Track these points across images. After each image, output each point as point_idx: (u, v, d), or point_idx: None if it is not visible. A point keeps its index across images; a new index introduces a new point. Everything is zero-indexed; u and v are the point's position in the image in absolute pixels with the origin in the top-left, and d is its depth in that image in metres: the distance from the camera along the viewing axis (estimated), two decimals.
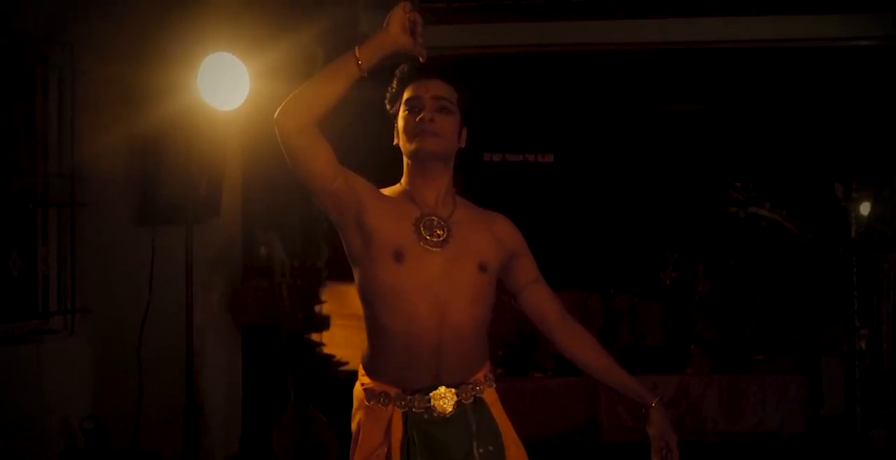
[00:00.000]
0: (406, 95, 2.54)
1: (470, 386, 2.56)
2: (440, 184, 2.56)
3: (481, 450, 2.53)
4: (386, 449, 2.51)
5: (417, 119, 2.50)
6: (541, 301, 2.63)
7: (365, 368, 2.61)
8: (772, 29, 5.77)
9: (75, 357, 4.28)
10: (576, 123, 6.37)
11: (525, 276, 2.61)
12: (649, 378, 5.77)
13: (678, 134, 6.30)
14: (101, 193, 4.35)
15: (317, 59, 4.87)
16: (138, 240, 4.52)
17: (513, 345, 5.83)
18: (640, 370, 5.84)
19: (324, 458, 4.84)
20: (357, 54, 2.36)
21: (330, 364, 5.31)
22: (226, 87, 3.71)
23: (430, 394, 2.51)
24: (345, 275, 5.15)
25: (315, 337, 5.26)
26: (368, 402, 2.56)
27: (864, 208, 5.79)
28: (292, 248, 5.20)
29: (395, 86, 2.57)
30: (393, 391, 2.51)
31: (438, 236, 2.53)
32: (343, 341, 5.28)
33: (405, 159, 2.58)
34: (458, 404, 2.54)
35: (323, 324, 5.24)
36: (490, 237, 2.59)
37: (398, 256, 2.48)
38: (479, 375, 2.60)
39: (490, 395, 2.62)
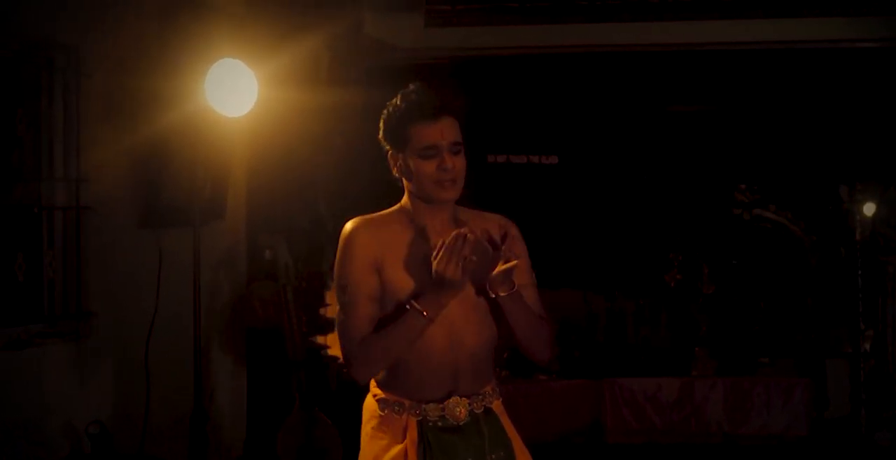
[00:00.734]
0: (418, 142, 2.53)
1: (480, 397, 2.64)
2: (446, 213, 2.61)
3: (493, 456, 2.61)
4: (403, 453, 2.57)
5: (439, 169, 2.51)
6: None
7: (378, 384, 2.66)
8: (776, 31, 5.75)
9: (80, 361, 4.28)
10: (580, 125, 6.34)
11: (514, 280, 2.62)
12: (654, 380, 5.80)
13: (683, 135, 6.26)
14: (105, 197, 4.36)
15: (323, 62, 4.86)
16: (142, 244, 4.53)
17: (517, 348, 5.80)
18: (645, 372, 5.88)
19: None
20: (419, 308, 2.46)
21: (333, 366, 5.29)
22: (233, 93, 3.70)
23: (444, 403, 2.59)
24: None
25: (320, 339, 5.23)
26: (382, 412, 2.62)
27: (869, 210, 5.76)
28: (297, 252, 5.18)
29: (396, 119, 2.55)
30: (407, 402, 2.59)
31: None
32: None
33: (408, 190, 2.60)
34: (470, 412, 2.61)
35: (328, 327, 5.21)
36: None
37: (411, 297, 2.53)
38: (488, 387, 2.69)
39: (497, 406, 2.71)
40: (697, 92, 6.23)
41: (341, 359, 5.03)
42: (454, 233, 2.41)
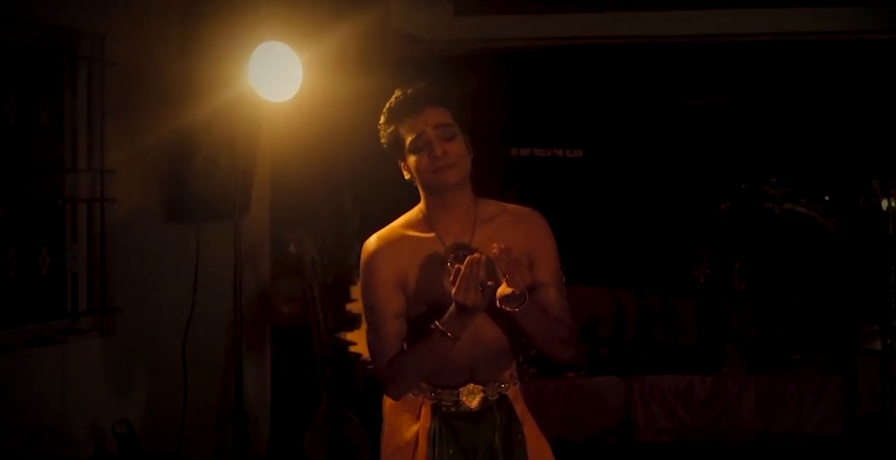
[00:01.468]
0: (407, 136, 2.57)
1: (496, 385, 2.70)
2: (463, 208, 2.63)
3: (502, 443, 2.67)
4: (414, 438, 2.66)
5: (430, 158, 2.53)
6: (542, 304, 2.63)
7: None
8: (813, 20, 5.65)
9: (105, 358, 4.13)
10: (606, 118, 6.24)
11: (537, 278, 2.62)
12: (684, 378, 5.70)
13: (713, 128, 6.18)
14: (131, 189, 4.20)
15: (350, 53, 4.72)
16: (170, 237, 4.41)
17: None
18: (675, 369, 5.78)
19: None
20: (444, 329, 2.48)
21: (359, 363, 5.17)
22: (277, 78, 3.56)
23: (459, 389, 2.66)
24: None
25: (346, 336, 5.12)
26: None
27: None
28: (323, 246, 5.07)
29: (387, 124, 2.60)
30: (424, 384, 2.67)
31: None
32: None
33: (422, 191, 2.62)
34: (483, 400, 2.68)
35: (354, 322, 5.11)
36: (513, 248, 2.55)
37: (436, 306, 2.57)
38: (506, 374, 2.74)
39: (514, 392, 2.75)
40: (728, 84, 6.14)
41: (367, 356, 4.97)
42: (469, 258, 2.41)
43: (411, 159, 2.59)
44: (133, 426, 3.94)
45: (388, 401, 2.75)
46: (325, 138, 4.68)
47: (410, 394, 2.68)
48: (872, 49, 5.92)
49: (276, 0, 3.95)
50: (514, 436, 2.70)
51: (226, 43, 3.70)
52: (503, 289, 2.47)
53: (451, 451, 2.66)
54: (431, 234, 2.65)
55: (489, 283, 2.44)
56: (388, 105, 2.63)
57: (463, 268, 2.43)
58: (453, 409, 2.67)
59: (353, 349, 5.12)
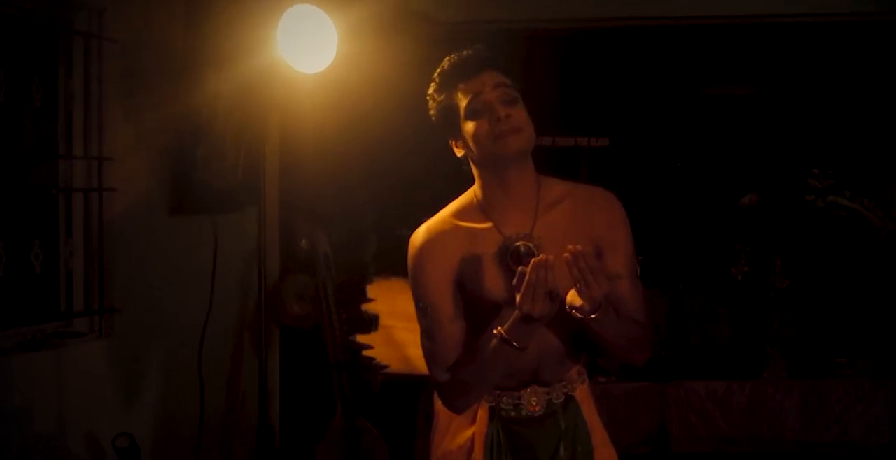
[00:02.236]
0: (462, 100, 2.35)
1: (562, 385, 2.53)
2: (524, 190, 2.43)
3: (569, 451, 2.50)
4: (469, 444, 2.52)
5: (491, 121, 2.32)
6: (613, 300, 2.39)
7: None
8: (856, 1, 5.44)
9: (103, 364, 3.91)
10: (636, 105, 6.03)
11: (609, 270, 2.41)
12: (722, 383, 5.50)
13: (751, 116, 5.97)
14: (131, 177, 3.99)
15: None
16: (174, 231, 4.21)
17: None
18: (712, 374, 5.57)
19: None
20: (509, 338, 2.29)
21: (375, 368, 4.95)
22: (309, 47, 3.32)
23: (521, 392, 2.51)
24: (395, 270, 4.89)
25: (362, 338, 4.91)
26: None
27: None
28: (337, 240, 4.84)
29: (439, 92, 2.43)
30: None
31: None
32: (392, 343, 4.95)
33: (477, 170, 2.45)
34: (548, 403, 2.52)
35: (370, 324, 4.89)
36: (581, 237, 2.37)
37: (495, 308, 2.42)
38: (573, 372, 2.57)
39: (582, 392, 2.58)
40: (768, 69, 5.94)
41: (382, 360, 4.78)
42: (533, 261, 2.19)
43: (468, 127, 2.38)
44: (135, 439, 3.73)
45: (438, 401, 2.59)
46: (341, 120, 4.46)
47: None
48: None
49: None
50: (582, 444, 2.54)
51: (244, 9, 3.45)
52: (574, 298, 2.26)
53: None
54: (488, 224, 2.45)
55: (559, 293, 2.22)
56: (439, 69, 2.44)
57: (528, 273, 2.20)
58: (513, 413, 2.51)
59: (369, 353, 4.90)
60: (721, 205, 6.00)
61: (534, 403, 2.52)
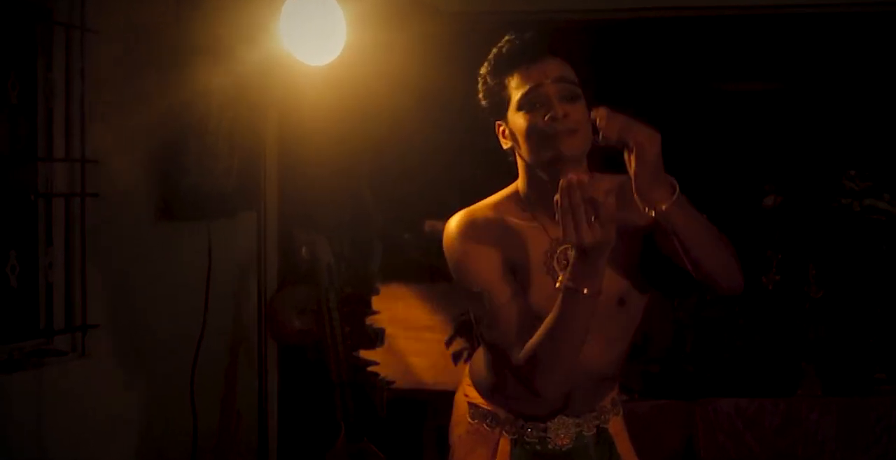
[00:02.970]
0: (517, 90, 2.25)
1: (594, 415, 2.44)
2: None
3: None
4: None
5: (546, 118, 2.15)
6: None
7: (475, 381, 2.49)
8: None
9: (86, 384, 3.72)
10: (658, 100, 5.87)
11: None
12: (754, 401, 5.32)
13: (777, 114, 5.81)
14: (116, 181, 3.81)
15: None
16: (163, 239, 4.04)
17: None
18: (741, 391, 5.40)
19: None
20: (574, 287, 2.08)
21: (381, 387, 4.81)
22: (315, 37, 3.16)
23: (547, 424, 2.40)
24: (394, 274, 4.76)
25: (366, 355, 4.77)
26: (472, 420, 2.46)
27: None
28: (339, 249, 4.76)
29: (492, 76, 2.31)
30: (503, 414, 2.43)
31: None
32: (394, 353, 4.84)
33: (523, 164, 2.33)
34: (578, 436, 2.42)
35: (376, 339, 4.76)
36: (629, 241, 2.27)
37: (538, 315, 2.24)
38: (607, 401, 2.49)
39: (616, 424, 2.51)
40: (795, 63, 5.78)
41: (387, 375, 4.68)
42: (562, 183, 2.00)
43: (519, 120, 2.22)
44: None
45: (457, 429, 2.51)
46: (346, 118, 4.32)
47: (485, 426, 2.44)
48: None
49: None
50: None
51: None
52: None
53: None
54: (534, 223, 2.31)
55: (602, 200, 1.99)
56: (494, 51, 2.30)
57: (559, 198, 1.99)
58: (539, 447, 2.41)
59: (374, 369, 4.79)
60: (749, 210, 5.85)
61: (562, 436, 2.40)
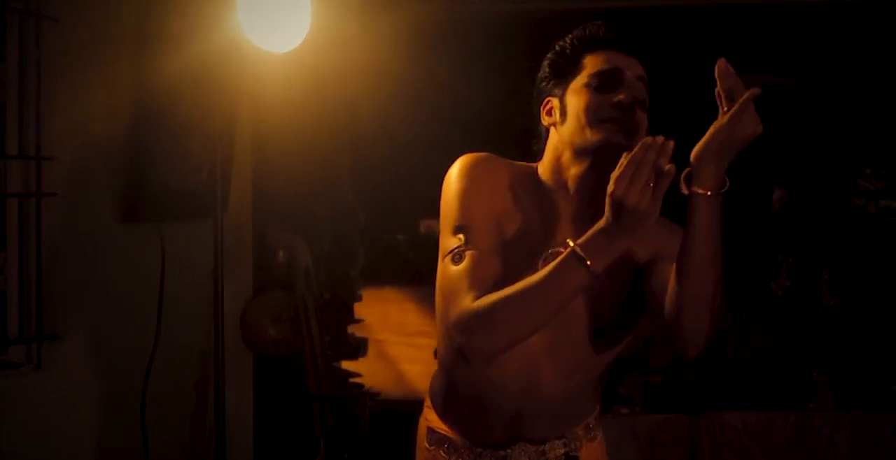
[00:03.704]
0: (594, 65, 2.20)
1: (562, 442, 2.33)
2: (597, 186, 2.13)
3: None
4: None
5: (615, 100, 2.14)
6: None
7: (432, 400, 2.42)
8: None
9: (41, 399, 3.59)
10: (664, 94, 5.76)
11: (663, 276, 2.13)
12: (762, 415, 5.24)
13: (793, 110, 5.67)
14: (75, 180, 3.69)
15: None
16: (126, 242, 3.90)
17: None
18: (750, 404, 5.31)
19: None
20: (582, 254, 1.94)
21: (362, 399, 4.70)
22: (275, 23, 3.04)
23: (507, 451, 2.30)
24: (387, 278, 4.66)
25: (348, 366, 4.67)
26: (430, 446, 2.40)
27: None
28: (319, 252, 4.67)
29: (570, 48, 2.25)
30: (459, 440, 2.33)
31: None
32: (385, 360, 4.75)
33: (554, 146, 2.24)
34: None
35: (358, 349, 4.67)
36: (623, 272, 2.18)
37: (530, 258, 2.17)
38: (579, 427, 2.37)
39: (590, 451, 2.37)
40: (809, 58, 5.68)
41: (372, 386, 4.56)
42: (644, 140, 1.90)
43: (580, 95, 2.15)
44: None
45: (418, 455, 2.44)
46: (322, 110, 4.20)
47: (442, 453, 2.34)
48: None
49: None
50: None
51: None
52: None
53: None
54: (535, 211, 2.23)
55: (668, 172, 1.89)
56: (580, 28, 2.25)
57: (635, 149, 1.87)
58: None
59: (357, 381, 4.70)
60: (757, 211, 5.76)
61: None
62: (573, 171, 2.17)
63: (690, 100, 5.71)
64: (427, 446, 2.43)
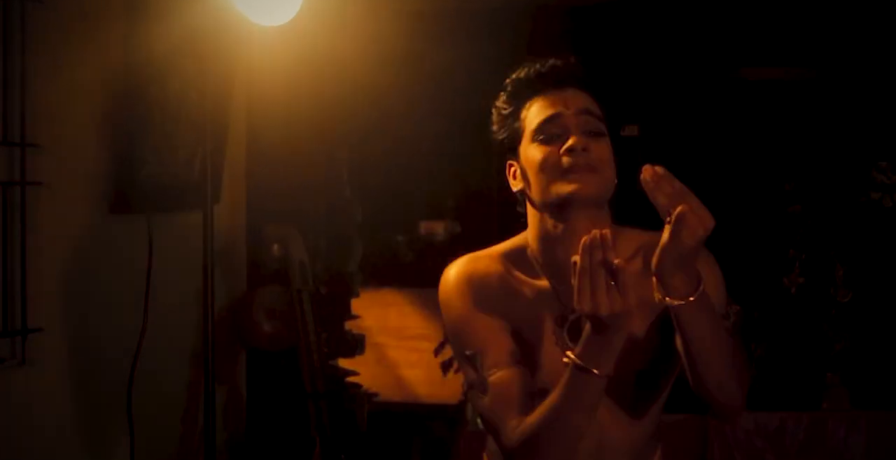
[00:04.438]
0: (534, 117, 2.17)
1: None
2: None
3: None
4: None
5: (564, 149, 2.11)
6: None
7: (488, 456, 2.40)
8: None
9: (26, 395, 3.58)
10: (670, 88, 5.79)
11: None
12: (774, 415, 5.20)
13: (805, 101, 5.66)
14: (62, 169, 3.67)
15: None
16: (114, 234, 3.88)
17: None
18: (762, 405, 5.24)
19: None
20: (584, 365, 1.98)
21: (362, 399, 4.70)
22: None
23: None
24: (386, 279, 4.63)
25: (345, 364, 4.66)
26: None
27: None
28: (315, 246, 4.65)
29: (508, 103, 2.25)
30: None
31: None
32: (384, 364, 4.72)
33: (533, 211, 2.24)
34: None
35: (356, 345, 4.65)
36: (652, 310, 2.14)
37: (543, 391, 2.13)
38: None
39: None
40: (828, 49, 5.63)
41: (370, 387, 4.55)
42: (584, 240, 1.90)
43: (532, 153, 2.13)
44: None
45: None
46: (321, 99, 4.18)
47: None
48: None
49: None
50: None
51: None
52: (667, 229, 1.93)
53: None
54: (543, 282, 2.21)
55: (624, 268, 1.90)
56: (514, 76, 2.25)
57: (580, 256, 1.87)
58: None
59: (355, 380, 4.68)
60: (769, 205, 5.73)
61: None
62: (560, 229, 2.18)
63: (708, 89, 5.76)
64: None
